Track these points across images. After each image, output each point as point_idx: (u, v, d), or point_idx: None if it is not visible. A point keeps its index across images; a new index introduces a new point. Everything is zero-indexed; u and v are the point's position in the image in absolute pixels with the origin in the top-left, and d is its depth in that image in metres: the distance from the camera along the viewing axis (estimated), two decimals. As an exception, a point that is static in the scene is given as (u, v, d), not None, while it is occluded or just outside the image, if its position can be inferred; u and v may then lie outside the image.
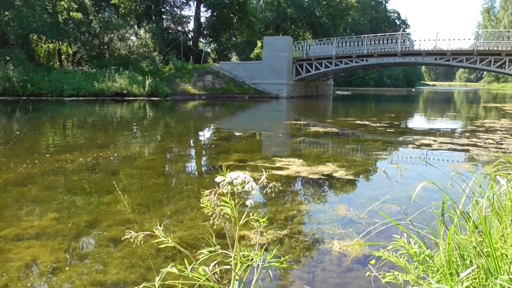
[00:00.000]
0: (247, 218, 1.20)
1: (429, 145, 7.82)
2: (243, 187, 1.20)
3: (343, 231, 3.26)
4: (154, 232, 1.19)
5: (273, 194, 1.25)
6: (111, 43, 28.15)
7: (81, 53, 28.43)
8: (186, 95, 24.56)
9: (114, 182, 4.98)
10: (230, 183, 1.18)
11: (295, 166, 5.59)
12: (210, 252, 1.21)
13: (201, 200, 1.12)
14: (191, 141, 8.95)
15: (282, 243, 2.91)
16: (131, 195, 4.37)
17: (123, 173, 5.43)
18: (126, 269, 2.65)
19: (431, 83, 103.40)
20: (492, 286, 1.36)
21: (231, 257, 1.24)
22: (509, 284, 1.30)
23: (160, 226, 1.24)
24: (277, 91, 26.12)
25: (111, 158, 6.36)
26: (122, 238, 1.19)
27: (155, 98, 22.60)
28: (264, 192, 1.24)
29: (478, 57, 22.04)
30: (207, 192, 1.12)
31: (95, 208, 3.92)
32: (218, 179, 1.17)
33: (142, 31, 29.78)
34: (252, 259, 1.20)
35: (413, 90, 55.21)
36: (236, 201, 1.17)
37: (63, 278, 2.52)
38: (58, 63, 28.31)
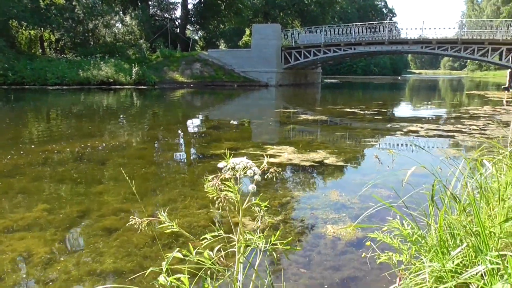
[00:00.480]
0: (249, 203, 1.23)
1: (416, 131, 7.95)
2: (245, 173, 1.22)
3: (336, 216, 3.33)
4: (158, 217, 1.21)
5: (266, 181, 1.28)
6: (95, 30, 27.59)
7: (65, 40, 27.80)
8: (174, 83, 24.33)
9: (104, 172, 4.96)
10: (233, 169, 1.20)
11: (286, 154, 5.64)
12: (213, 236, 1.23)
13: (205, 185, 1.15)
14: (181, 130, 8.91)
15: (277, 229, 2.96)
16: (123, 184, 4.36)
17: (113, 162, 5.40)
18: (122, 258, 2.66)
19: (417, 71, 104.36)
20: (481, 262, 1.43)
21: (233, 241, 1.27)
22: (497, 259, 1.37)
23: (156, 214, 1.26)
24: (266, 79, 26.07)
25: (100, 148, 6.31)
26: (127, 224, 1.21)
27: (142, 87, 22.34)
28: (264, 177, 1.27)
29: (462, 45, 22.32)
30: (211, 177, 1.15)
31: (86, 198, 3.91)
32: (221, 164, 1.20)
33: (128, 18, 29.27)
34: (255, 242, 1.23)
35: (399, 78, 55.66)
36: (239, 186, 1.19)
37: (58, 269, 2.52)
38: (40, 51, 27.62)
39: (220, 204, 1.12)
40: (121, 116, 11.17)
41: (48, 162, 5.30)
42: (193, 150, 6.57)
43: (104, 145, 6.48)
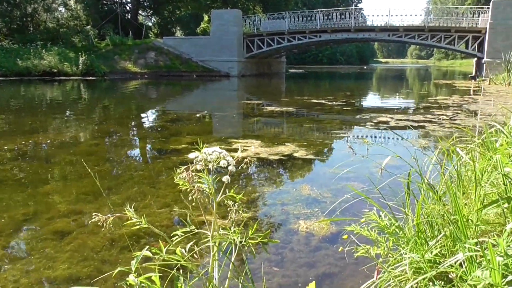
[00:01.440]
0: (224, 196, 1.22)
1: (386, 122, 8.21)
2: (218, 163, 1.21)
3: (308, 211, 3.38)
4: (124, 213, 1.17)
5: (233, 177, 1.27)
6: (35, 14, 26.33)
7: (-1, 26, 26.33)
8: (126, 73, 23.76)
9: (51, 170, 4.77)
10: (205, 160, 1.18)
11: (253, 147, 5.67)
12: (185, 233, 1.22)
13: (175, 177, 1.13)
14: (136, 124, 8.72)
15: (246, 227, 2.97)
16: (73, 183, 4.21)
17: (61, 160, 5.20)
18: (77, 263, 2.57)
19: (383, 60, 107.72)
20: (460, 250, 1.50)
21: (206, 237, 1.26)
22: (476, 247, 1.44)
23: (105, 215, 1.23)
24: (227, 69, 25.96)
25: (44, 144, 6.05)
26: (89, 222, 1.16)
27: (90, 78, 21.62)
28: (237, 168, 1.26)
29: (429, 33, 23.24)
30: (182, 168, 1.13)
31: (33, 199, 3.74)
32: (192, 154, 1.18)
33: (72, 1, 28.15)
34: (231, 237, 1.23)
35: (365, 67, 57.21)
36: (212, 177, 1.18)
37: (5, 277, 2.40)
38: (-30, 38, 26.04)
39: (193, 196, 1.10)
40: (68, 110, 10.76)
41: (-16, 162, 5.02)
42: (150, 146, 6.45)
43: (49, 141, 6.22)
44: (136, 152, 6.03)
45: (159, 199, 3.71)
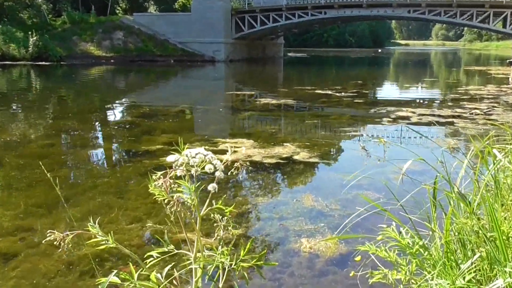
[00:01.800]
0: (209, 208, 1.21)
1: (407, 117, 8.26)
2: (202, 168, 1.20)
3: (312, 227, 3.38)
4: (87, 230, 1.15)
5: (220, 185, 1.27)
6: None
7: None
8: (88, 58, 23.66)
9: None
10: (187, 164, 1.17)
11: (244, 149, 5.66)
12: (161, 254, 1.20)
13: (149, 185, 1.11)
14: (100, 120, 8.68)
15: (237, 246, 2.96)
16: (21, 193, 4.18)
17: (6, 164, 5.16)
18: (25, 292, 2.55)
19: (402, 42, 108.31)
20: (500, 275, 1.50)
21: (189, 259, 1.25)
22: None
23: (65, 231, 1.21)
24: (212, 52, 25.94)
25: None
26: (41, 241, 1.14)
27: (43, 63, 21.53)
28: (226, 174, 1.25)
29: (458, 9, 23.40)
30: (159, 174, 1.11)
31: (-29, 213, 3.71)
32: (171, 157, 1.16)
33: (19, -31, 27.90)
34: (217, 260, 1.21)
35: (380, 51, 57.53)
36: (196, 185, 1.17)
37: None
38: None
39: (172, 209, 1.08)
40: (14, 102, 10.70)
41: None
42: (117, 147, 6.41)
43: (-9, 141, 6.19)
44: (100, 154, 5.99)
45: (128, 213, 3.68)
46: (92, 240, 1.18)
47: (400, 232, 1.95)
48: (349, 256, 2.93)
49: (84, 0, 31.06)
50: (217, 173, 1.21)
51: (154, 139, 6.42)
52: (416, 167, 2.19)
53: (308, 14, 25.85)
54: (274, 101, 10.67)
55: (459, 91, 13.32)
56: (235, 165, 1.28)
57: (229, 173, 1.25)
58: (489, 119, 7.90)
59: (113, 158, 5.88)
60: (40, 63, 21.46)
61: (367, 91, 13.66)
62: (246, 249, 1.19)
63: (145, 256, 1.20)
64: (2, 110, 9.32)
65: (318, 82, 16.65)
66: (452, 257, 1.75)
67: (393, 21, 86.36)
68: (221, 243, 1.31)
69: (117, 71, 20.26)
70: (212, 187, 1.19)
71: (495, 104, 9.91)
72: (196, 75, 19.60)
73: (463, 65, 30.04)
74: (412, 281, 1.79)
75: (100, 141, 6.82)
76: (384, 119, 8.14)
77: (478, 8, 23.12)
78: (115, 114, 9.58)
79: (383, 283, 1.84)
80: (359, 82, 16.73)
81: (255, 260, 1.20)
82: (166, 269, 1.21)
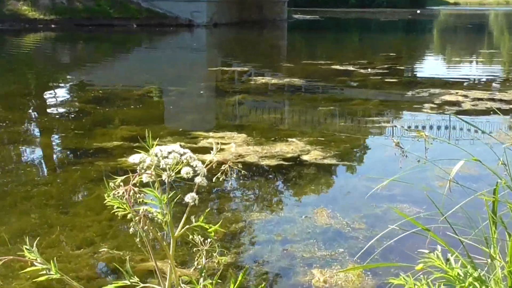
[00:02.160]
0: (187, 226, 1.21)
1: (456, 103, 8.28)
2: (178, 172, 1.19)
3: (327, 253, 3.38)
4: (21, 255, 1.15)
5: (202, 195, 1.26)
6: None
7: None
8: (19, 21, 23.87)
9: None
10: (156, 166, 1.16)
11: (234, 146, 5.66)
12: (120, 288, 1.20)
13: (106, 195, 1.10)
14: (36, 106, 8.69)
15: (224, 279, 2.96)
16: None
17: None
18: None
19: (451, 0, 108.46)
20: None
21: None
22: None
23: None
24: (189, 14, 25.99)
25: None
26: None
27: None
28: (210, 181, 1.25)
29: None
30: (118, 180, 1.10)
31: None
32: (134, 157, 1.15)
33: None
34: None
35: (419, 12, 57.60)
36: (168, 196, 1.16)
37: None
38: None
39: (136, 227, 1.08)
40: None
41: None
42: (60, 143, 6.41)
43: None
44: (36, 153, 6.00)
45: (75, 233, 3.68)
46: (28, 269, 1.17)
47: (447, 260, 1.95)
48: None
49: None
50: (198, 179, 1.20)
51: (110, 132, 6.42)
52: (469, 170, 2.19)
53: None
54: (274, 81, 10.68)
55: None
56: (222, 168, 1.27)
57: (214, 179, 1.24)
58: None
59: (54, 158, 5.88)
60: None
61: (402, 67, 13.71)
62: (237, 283, 1.18)
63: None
64: None
65: (336, 55, 16.70)
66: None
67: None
68: (203, 275, 1.30)
69: (59, 40, 20.29)
70: (191, 197, 1.18)
71: None
72: (167, 45, 19.66)
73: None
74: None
75: (37, 135, 6.81)
76: (426, 105, 8.16)
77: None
78: (57, 98, 9.57)
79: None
80: (391, 54, 16.78)
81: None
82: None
